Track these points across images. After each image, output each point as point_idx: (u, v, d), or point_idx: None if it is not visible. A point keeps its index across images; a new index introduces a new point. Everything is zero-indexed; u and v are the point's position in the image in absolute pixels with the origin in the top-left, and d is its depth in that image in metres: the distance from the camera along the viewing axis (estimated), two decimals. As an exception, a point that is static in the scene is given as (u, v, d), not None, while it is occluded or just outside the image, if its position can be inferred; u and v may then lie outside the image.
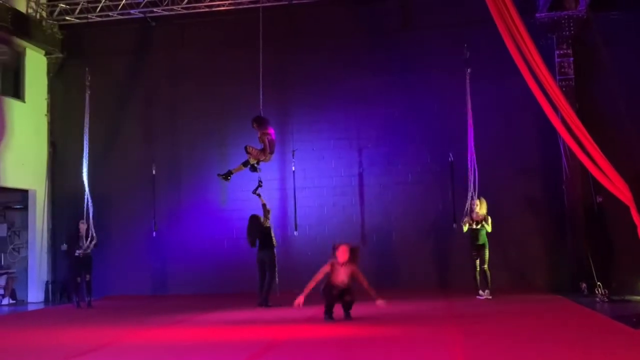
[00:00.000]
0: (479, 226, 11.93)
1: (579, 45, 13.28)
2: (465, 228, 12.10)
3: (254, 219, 11.85)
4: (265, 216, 11.80)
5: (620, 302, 10.93)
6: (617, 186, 10.20)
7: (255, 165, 11.85)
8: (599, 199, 12.83)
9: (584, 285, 12.34)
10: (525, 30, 10.63)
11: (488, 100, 13.58)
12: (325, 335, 8.34)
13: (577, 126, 10.62)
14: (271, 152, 11.82)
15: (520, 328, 8.31)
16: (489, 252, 11.94)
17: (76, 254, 13.00)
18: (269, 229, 11.78)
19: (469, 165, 12.24)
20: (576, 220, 13.07)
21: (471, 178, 12.19)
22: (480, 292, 11.84)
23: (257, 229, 11.70)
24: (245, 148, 11.83)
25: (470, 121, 12.30)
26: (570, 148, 11.40)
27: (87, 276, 13.01)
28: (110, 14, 15.33)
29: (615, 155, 10.95)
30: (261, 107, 12.28)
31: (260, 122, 11.74)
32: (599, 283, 11.69)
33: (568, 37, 13.28)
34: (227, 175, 12.02)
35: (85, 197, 13.29)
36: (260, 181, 11.88)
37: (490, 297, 11.63)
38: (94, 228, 13.11)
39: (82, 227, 13.09)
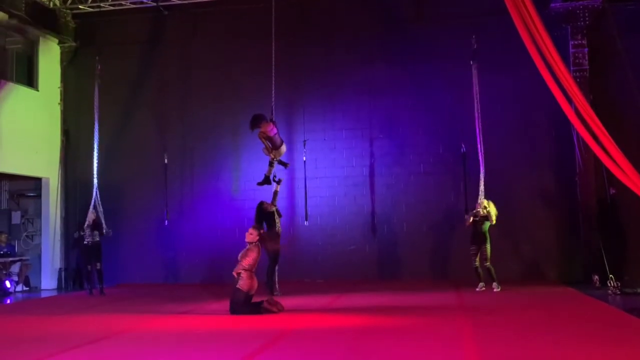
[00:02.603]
0: (480, 222, 11.81)
1: (594, 36, 13.14)
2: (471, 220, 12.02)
3: (259, 204, 11.87)
4: (272, 202, 11.78)
5: (633, 295, 10.87)
6: (631, 178, 10.14)
7: (282, 161, 11.79)
8: (612, 192, 12.75)
9: (596, 277, 12.29)
10: (539, 21, 10.57)
11: (501, 92, 13.50)
12: (335, 325, 8.35)
13: (591, 118, 10.56)
14: (277, 147, 11.63)
15: (531, 320, 8.29)
16: (491, 248, 11.71)
17: (85, 242, 13.14)
18: (272, 213, 11.71)
19: (480, 157, 12.11)
20: (589, 212, 12.99)
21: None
22: (481, 284, 11.79)
23: (260, 213, 11.70)
24: (263, 150, 11.81)
25: (477, 114, 12.18)
26: (584, 140, 11.34)
27: (98, 264, 13.13)
28: (123, 2, 15.34)
29: (630, 147, 10.90)
30: (273, 98, 12.20)
31: (252, 123, 11.45)
32: (611, 276, 11.62)
33: (583, 28, 13.13)
34: (265, 181, 11.94)
35: (94, 187, 13.40)
36: (279, 178, 11.90)
37: (499, 289, 11.59)
38: (104, 217, 13.21)
39: (91, 216, 13.19)
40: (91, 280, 13.29)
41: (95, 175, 13.58)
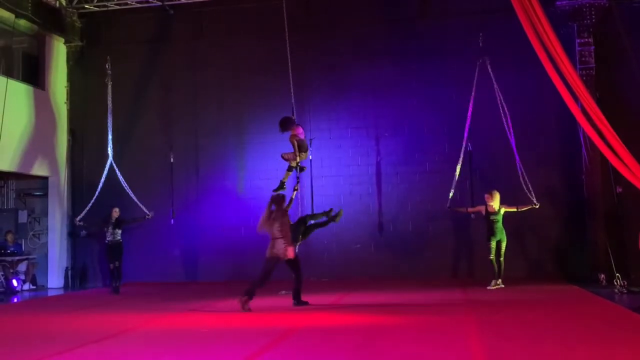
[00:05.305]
0: (494, 217, 11.88)
1: (601, 34, 13.10)
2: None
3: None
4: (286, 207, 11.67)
5: (639, 294, 10.84)
6: (638, 176, 10.13)
7: (300, 166, 11.51)
8: (619, 189, 12.72)
9: (602, 276, 12.27)
10: (545, 19, 10.56)
11: (507, 89, 13.44)
12: (342, 323, 8.37)
13: (598, 116, 10.55)
14: (304, 151, 11.22)
15: (537, 318, 8.29)
16: (507, 244, 11.93)
17: (106, 241, 13.22)
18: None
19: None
20: (595, 210, 12.95)
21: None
22: (493, 282, 11.82)
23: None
24: (282, 156, 11.50)
25: (503, 110, 12.23)
26: (590, 138, 11.32)
27: (117, 262, 13.19)
28: (128, 2, 15.36)
29: (636, 145, 10.86)
30: (293, 99, 12.02)
31: (284, 125, 11.13)
32: (617, 274, 11.60)
33: (589, 26, 13.09)
34: (281, 187, 11.70)
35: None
36: (297, 183, 11.76)
37: (503, 286, 11.70)
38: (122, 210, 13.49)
39: (115, 213, 13.26)
40: (114, 278, 13.30)
41: (118, 174, 13.74)
